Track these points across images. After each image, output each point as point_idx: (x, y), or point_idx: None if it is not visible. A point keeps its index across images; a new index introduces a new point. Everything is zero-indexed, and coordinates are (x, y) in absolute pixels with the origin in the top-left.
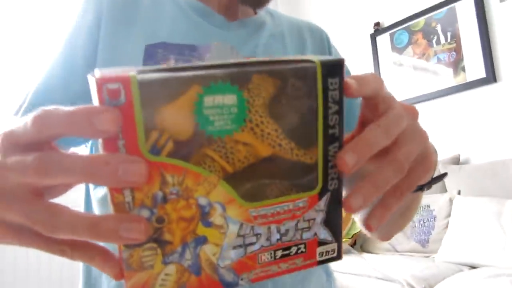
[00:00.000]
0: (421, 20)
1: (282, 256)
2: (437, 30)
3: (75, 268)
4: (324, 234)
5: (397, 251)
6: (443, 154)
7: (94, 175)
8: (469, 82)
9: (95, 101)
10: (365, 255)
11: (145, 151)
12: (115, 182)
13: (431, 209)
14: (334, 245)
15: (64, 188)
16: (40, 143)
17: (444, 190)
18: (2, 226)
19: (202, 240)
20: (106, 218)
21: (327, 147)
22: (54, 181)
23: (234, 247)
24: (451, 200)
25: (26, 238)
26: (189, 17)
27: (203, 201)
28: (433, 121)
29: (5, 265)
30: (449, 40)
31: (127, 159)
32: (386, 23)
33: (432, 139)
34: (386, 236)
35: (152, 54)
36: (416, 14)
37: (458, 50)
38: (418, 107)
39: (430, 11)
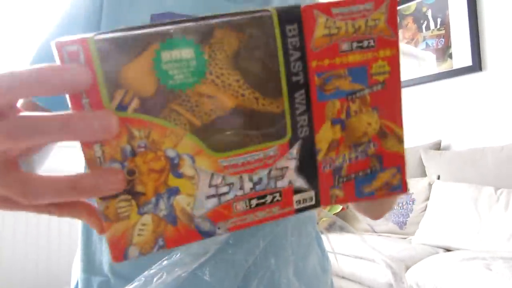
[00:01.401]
0: (412, 4)
1: (258, 204)
2: (427, 16)
3: (73, 238)
4: (299, 182)
5: (375, 232)
6: (424, 139)
7: (71, 131)
8: (455, 69)
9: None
10: (344, 234)
11: (110, 108)
12: (90, 136)
13: (410, 192)
14: (311, 193)
15: (36, 148)
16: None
17: (424, 174)
18: None
19: (175, 191)
20: (84, 176)
21: (293, 95)
22: (30, 143)
23: (208, 197)
24: (430, 185)
25: (12, 204)
26: None
27: (171, 153)
28: (417, 106)
29: (5, 233)
30: (438, 27)
31: (100, 114)
32: None
33: (415, 124)
34: (378, 216)
35: None
36: None
37: (446, 37)
38: (404, 91)
39: None
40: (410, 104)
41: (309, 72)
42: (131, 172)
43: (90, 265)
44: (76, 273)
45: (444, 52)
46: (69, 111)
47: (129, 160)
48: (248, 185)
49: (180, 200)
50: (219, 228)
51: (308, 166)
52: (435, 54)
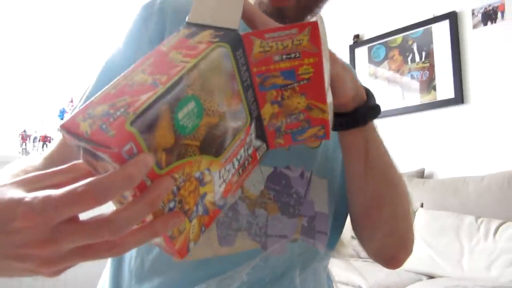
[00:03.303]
0: (399, 37)
1: (242, 171)
2: (413, 48)
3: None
4: (257, 143)
5: (360, 257)
6: (409, 167)
7: (156, 206)
8: (439, 101)
9: (111, 160)
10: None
11: (157, 170)
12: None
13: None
14: (264, 145)
15: None
16: None
17: None
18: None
19: (204, 195)
20: (156, 224)
21: (246, 94)
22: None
23: (220, 185)
24: (414, 212)
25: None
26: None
27: (197, 174)
28: (402, 135)
29: None
30: (423, 59)
31: (164, 185)
32: (365, 36)
33: (400, 152)
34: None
35: None
36: (394, 30)
37: (430, 69)
38: (390, 120)
39: (408, 29)
40: (395, 133)
41: (252, 76)
42: (180, 201)
43: None
44: None
45: (428, 84)
46: (148, 194)
47: (178, 195)
48: (236, 163)
49: (208, 197)
50: (227, 200)
51: (260, 131)
52: (420, 86)
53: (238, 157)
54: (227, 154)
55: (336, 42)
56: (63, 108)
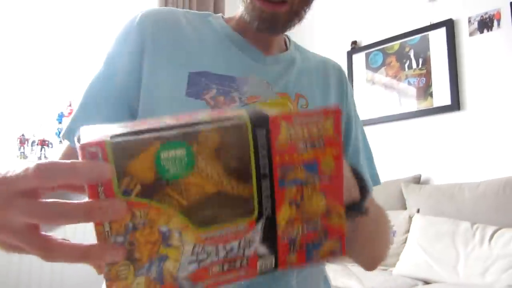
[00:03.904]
0: (396, 44)
1: (229, 268)
2: (410, 55)
3: None
4: (262, 250)
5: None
6: (405, 173)
7: (91, 217)
8: (435, 107)
9: (80, 159)
10: (327, 264)
11: (119, 193)
12: (105, 219)
13: (391, 225)
14: (271, 258)
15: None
16: (36, 190)
17: (404, 207)
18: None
19: (164, 258)
20: (93, 248)
21: (260, 183)
22: (55, 224)
23: (190, 262)
24: (410, 217)
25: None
26: (229, 49)
27: (163, 228)
28: (399, 141)
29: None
30: (420, 66)
31: (113, 203)
32: (363, 43)
33: (397, 158)
34: (371, 266)
35: (195, 82)
36: (391, 37)
37: (427, 76)
38: (386, 126)
39: (405, 36)
40: (392, 139)
41: (273, 165)
42: (131, 244)
43: None
44: None
45: (425, 90)
46: (90, 200)
47: (130, 234)
48: (222, 253)
49: (168, 265)
50: (197, 287)
51: (270, 238)
52: (416, 92)
53: (228, 247)
54: (212, 233)
55: (334, 48)
56: (62, 112)
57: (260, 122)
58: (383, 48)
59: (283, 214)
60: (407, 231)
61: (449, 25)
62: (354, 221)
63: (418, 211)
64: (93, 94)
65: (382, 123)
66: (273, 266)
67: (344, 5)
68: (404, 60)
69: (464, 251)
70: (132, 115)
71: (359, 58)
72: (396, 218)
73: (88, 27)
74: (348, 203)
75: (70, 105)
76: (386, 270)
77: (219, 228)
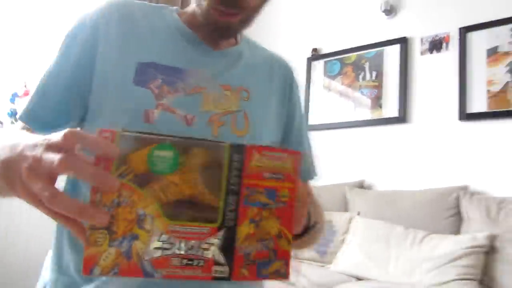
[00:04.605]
0: (353, 55)
1: (187, 264)
2: (365, 67)
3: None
4: (219, 257)
5: (298, 259)
6: (350, 178)
7: (95, 180)
8: (384, 118)
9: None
10: None
11: (113, 171)
12: (102, 186)
13: (333, 225)
14: (226, 268)
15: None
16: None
17: (346, 209)
18: (26, 191)
19: (136, 237)
20: (88, 207)
21: (228, 198)
22: (72, 175)
23: (155, 248)
24: (350, 219)
25: (39, 205)
26: (178, 42)
27: (141, 211)
28: (348, 147)
29: None
30: (373, 78)
31: (112, 177)
32: (323, 51)
33: (343, 163)
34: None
35: (143, 71)
36: (350, 48)
37: (379, 88)
38: (339, 132)
39: (362, 49)
40: (342, 145)
41: (242, 186)
42: (112, 216)
43: (59, 266)
44: (47, 272)
45: (376, 102)
46: (97, 168)
47: (114, 208)
48: (183, 248)
49: (137, 244)
50: (156, 273)
51: (228, 248)
52: (369, 103)
53: (189, 245)
54: (179, 227)
55: (296, 54)
56: (15, 93)
57: (238, 149)
58: (341, 58)
59: (243, 229)
60: (347, 231)
61: (403, 43)
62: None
63: (358, 213)
64: (49, 78)
65: (334, 129)
66: (227, 275)
67: (308, 14)
68: (359, 71)
69: (396, 253)
70: (83, 100)
71: (318, 65)
72: (338, 219)
73: (43, 7)
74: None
75: (25, 86)
76: (323, 266)
77: (185, 225)
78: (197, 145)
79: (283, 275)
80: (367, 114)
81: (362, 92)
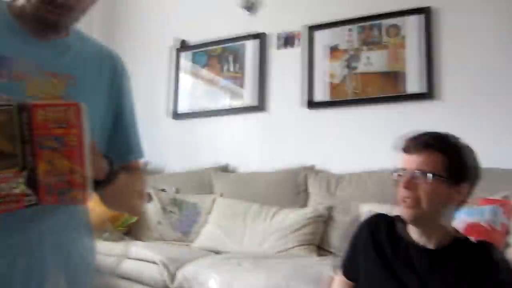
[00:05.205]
0: (218, 47)
1: (3, 202)
2: (229, 59)
3: None
4: (27, 191)
5: (165, 240)
6: (215, 162)
7: None
8: (245, 107)
9: None
10: (137, 242)
11: None
12: None
13: (198, 207)
14: (34, 197)
15: None
16: None
17: (211, 192)
18: None
19: None
20: None
21: (24, 147)
22: None
23: None
24: (214, 200)
25: None
26: (3, 32)
27: None
28: (212, 134)
29: None
30: (236, 70)
31: None
32: (191, 42)
33: (208, 149)
34: (134, 213)
35: None
36: (215, 41)
37: (241, 79)
38: (205, 120)
39: (226, 42)
40: (207, 131)
41: (34, 136)
42: None
43: None
44: None
45: (238, 92)
46: None
47: None
48: None
49: None
50: None
51: (32, 183)
52: (232, 92)
53: (1, 187)
54: None
55: (164, 44)
56: None
57: (25, 107)
58: (207, 49)
59: (41, 167)
60: (210, 212)
61: (262, 38)
62: (107, 187)
63: (221, 195)
64: None
65: (201, 117)
66: (36, 202)
67: (176, 6)
68: (224, 63)
69: (250, 227)
70: None
71: (186, 56)
72: (203, 201)
73: None
74: (102, 175)
75: None
76: (188, 245)
77: None
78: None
79: (80, 201)
80: (230, 103)
81: (226, 83)
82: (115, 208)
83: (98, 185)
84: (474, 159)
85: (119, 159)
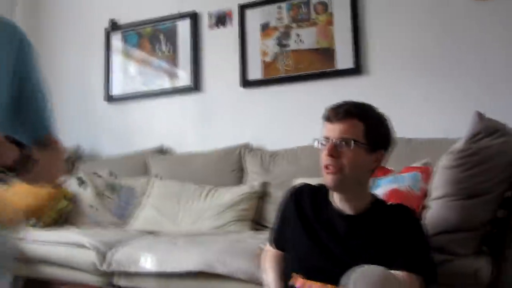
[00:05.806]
0: (149, 27)
1: None
2: (161, 39)
3: None
4: None
5: (101, 225)
6: (151, 145)
7: None
8: (179, 88)
9: None
10: (69, 227)
11: None
12: None
13: (135, 190)
14: None
15: None
16: None
17: (148, 174)
18: None
19: None
20: None
21: None
22: None
23: None
24: (150, 182)
25: None
26: None
27: None
28: (147, 116)
29: None
30: (169, 51)
31: None
32: (121, 22)
33: (144, 131)
34: (50, 183)
35: None
36: (145, 20)
37: (174, 60)
38: (141, 102)
39: (158, 22)
40: (141, 113)
41: None
42: None
43: None
44: None
45: (172, 72)
46: None
47: None
48: None
49: None
50: None
51: None
52: (165, 74)
53: None
54: None
55: (93, 25)
56: None
57: None
58: (138, 30)
59: None
60: (145, 194)
61: (194, 17)
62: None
63: (157, 176)
64: None
65: (135, 99)
66: None
67: None
68: (156, 43)
69: (185, 207)
70: None
71: (116, 37)
72: (139, 184)
73: None
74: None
75: None
76: (124, 229)
77: None
78: None
79: None
80: (165, 84)
81: (159, 63)
82: (34, 184)
83: (12, 171)
84: (389, 127)
85: (31, 136)
